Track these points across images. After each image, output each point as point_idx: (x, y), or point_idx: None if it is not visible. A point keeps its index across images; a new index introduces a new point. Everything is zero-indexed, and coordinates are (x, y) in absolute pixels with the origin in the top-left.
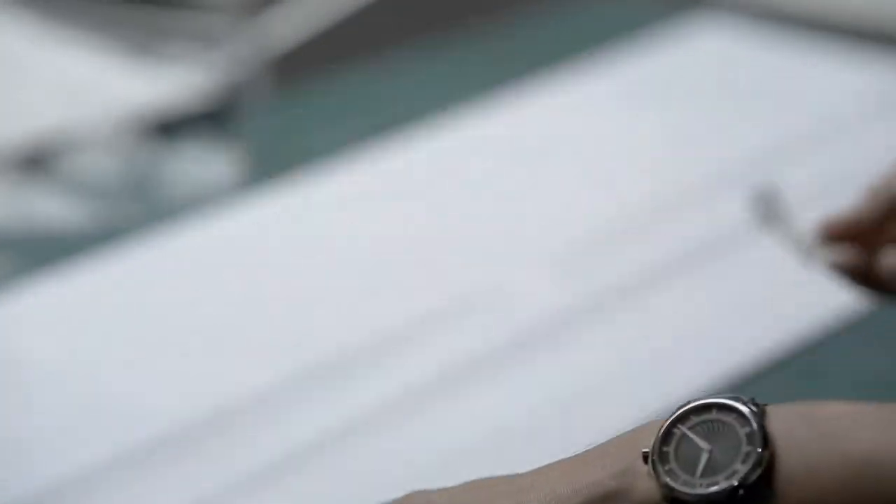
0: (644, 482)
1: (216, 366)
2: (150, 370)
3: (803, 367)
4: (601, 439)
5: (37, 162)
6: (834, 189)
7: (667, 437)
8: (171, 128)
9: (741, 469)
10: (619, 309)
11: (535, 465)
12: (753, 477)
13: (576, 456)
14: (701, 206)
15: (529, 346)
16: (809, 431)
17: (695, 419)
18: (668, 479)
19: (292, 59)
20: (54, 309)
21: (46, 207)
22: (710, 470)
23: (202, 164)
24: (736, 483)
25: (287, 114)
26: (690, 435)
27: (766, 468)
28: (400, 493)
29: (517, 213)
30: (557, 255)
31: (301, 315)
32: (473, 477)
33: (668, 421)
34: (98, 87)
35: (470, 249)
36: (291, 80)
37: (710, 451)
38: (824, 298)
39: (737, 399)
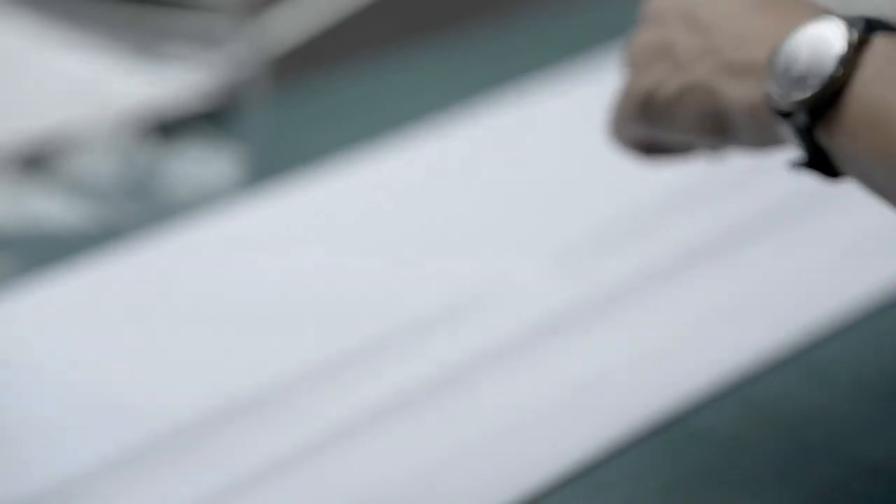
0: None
1: (216, 365)
2: (149, 370)
3: (805, 368)
4: (606, 434)
5: (36, 162)
6: None
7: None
8: (170, 128)
9: (814, 87)
10: (620, 307)
11: (534, 465)
12: (816, 94)
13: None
14: (703, 206)
15: (532, 343)
16: None
17: (811, 29)
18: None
19: (292, 58)
20: (54, 309)
21: (46, 207)
22: (801, 81)
23: (202, 163)
24: (801, 98)
25: (287, 113)
26: (792, 46)
27: (835, 91)
28: (405, 492)
29: (519, 212)
30: (560, 252)
31: (301, 314)
32: (478, 475)
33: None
34: (98, 86)
35: (471, 248)
36: (292, 80)
37: (808, 64)
38: (825, 298)
39: (850, 23)
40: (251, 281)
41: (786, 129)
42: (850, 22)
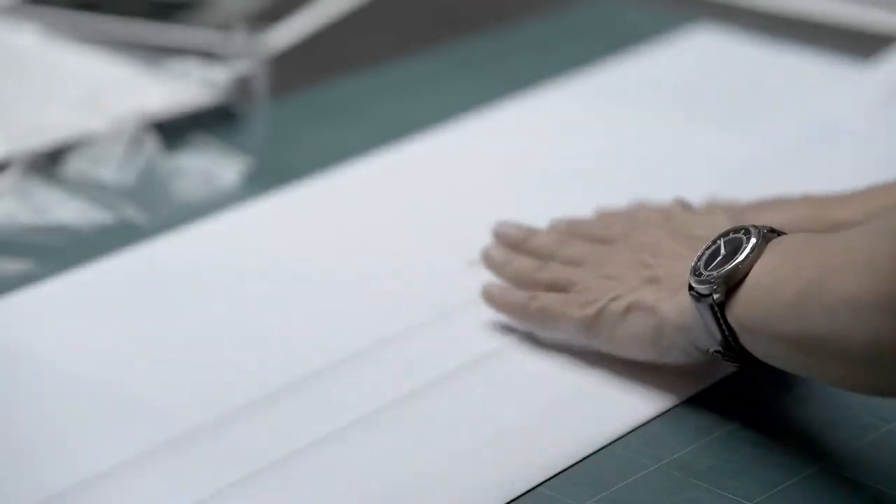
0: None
1: (220, 366)
2: (155, 370)
3: None
4: (601, 432)
5: (45, 165)
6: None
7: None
8: (173, 132)
9: (716, 274)
10: None
11: (532, 464)
12: (715, 281)
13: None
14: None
15: (527, 347)
16: (794, 265)
17: (732, 235)
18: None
19: (293, 63)
20: (61, 310)
21: (53, 210)
22: (717, 268)
23: (205, 167)
24: (701, 286)
25: (288, 118)
26: (721, 243)
27: (731, 281)
28: (401, 494)
29: (519, 212)
30: None
31: (303, 315)
32: (476, 477)
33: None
34: (106, 93)
35: (471, 248)
36: (293, 85)
37: (724, 256)
38: None
39: (757, 229)
40: (254, 281)
41: (703, 311)
42: (758, 228)
